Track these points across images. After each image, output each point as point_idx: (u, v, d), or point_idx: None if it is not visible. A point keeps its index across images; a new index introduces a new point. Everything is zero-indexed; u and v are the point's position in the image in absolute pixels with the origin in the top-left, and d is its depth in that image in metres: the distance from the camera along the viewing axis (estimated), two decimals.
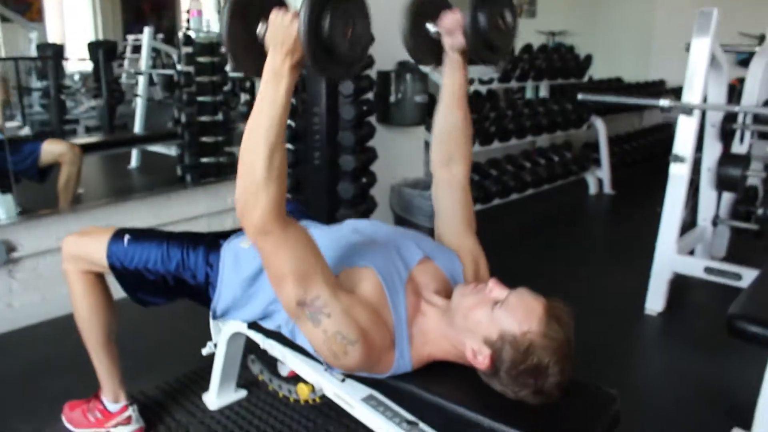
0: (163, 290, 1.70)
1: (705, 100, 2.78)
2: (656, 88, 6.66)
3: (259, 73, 1.26)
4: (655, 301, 2.86)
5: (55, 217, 2.85)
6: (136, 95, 4.59)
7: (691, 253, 3.19)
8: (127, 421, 1.90)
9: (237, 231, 1.75)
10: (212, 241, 1.68)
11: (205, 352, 2.14)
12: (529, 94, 5.19)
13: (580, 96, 2.95)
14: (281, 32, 1.20)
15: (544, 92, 5.15)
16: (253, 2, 1.28)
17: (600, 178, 5.30)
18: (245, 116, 4.25)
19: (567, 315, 1.24)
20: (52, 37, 4.33)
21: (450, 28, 1.46)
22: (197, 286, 1.66)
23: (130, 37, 4.72)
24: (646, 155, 6.07)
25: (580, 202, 5.12)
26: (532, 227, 4.44)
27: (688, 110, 2.65)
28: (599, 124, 5.16)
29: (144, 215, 3.05)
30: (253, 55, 1.29)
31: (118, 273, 1.70)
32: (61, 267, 1.78)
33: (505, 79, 4.54)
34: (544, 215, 4.74)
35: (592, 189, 5.28)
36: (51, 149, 3.27)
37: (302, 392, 1.64)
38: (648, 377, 2.40)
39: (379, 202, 3.29)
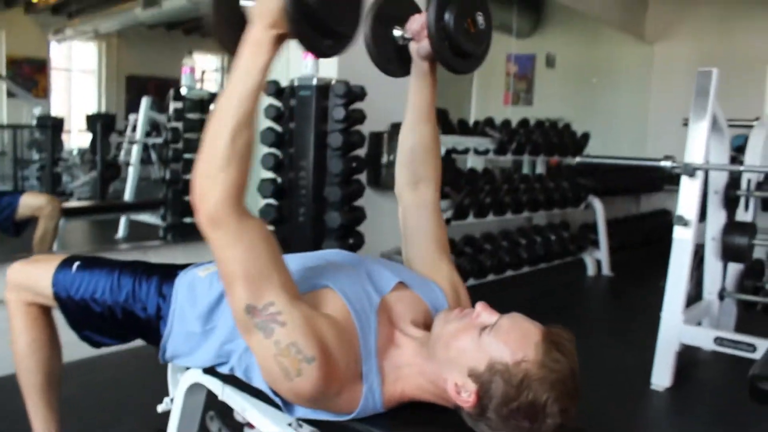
0: (112, 326, 1.50)
1: None
2: (655, 173, 6.63)
3: (231, 47, 1.13)
4: (661, 376, 2.64)
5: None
6: (128, 164, 4.54)
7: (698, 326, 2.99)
8: None
9: (197, 263, 1.57)
10: (168, 272, 1.50)
11: (160, 408, 1.91)
12: (525, 170, 5.13)
13: (577, 159, 2.85)
14: (266, 2, 1.07)
15: (540, 169, 5.09)
16: None
17: (598, 259, 5.16)
18: None
19: (570, 343, 1.04)
20: (56, 112, 4.38)
21: (416, 31, 1.31)
22: (147, 320, 1.46)
23: (132, 116, 4.74)
24: (644, 240, 5.97)
25: (578, 283, 4.95)
26: (529, 305, 4.22)
27: (691, 171, 2.54)
28: (597, 204, 5.07)
29: None
30: (235, 28, 1.14)
31: (63, 304, 1.51)
32: (4, 296, 1.59)
33: (501, 151, 4.47)
34: (541, 293, 4.55)
35: (591, 270, 5.12)
36: (29, 202, 3.14)
37: None
38: None
39: None
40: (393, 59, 1.39)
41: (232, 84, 1.08)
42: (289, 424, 1.37)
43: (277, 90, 2.85)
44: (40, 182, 4.09)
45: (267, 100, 2.85)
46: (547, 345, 1.01)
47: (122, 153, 4.82)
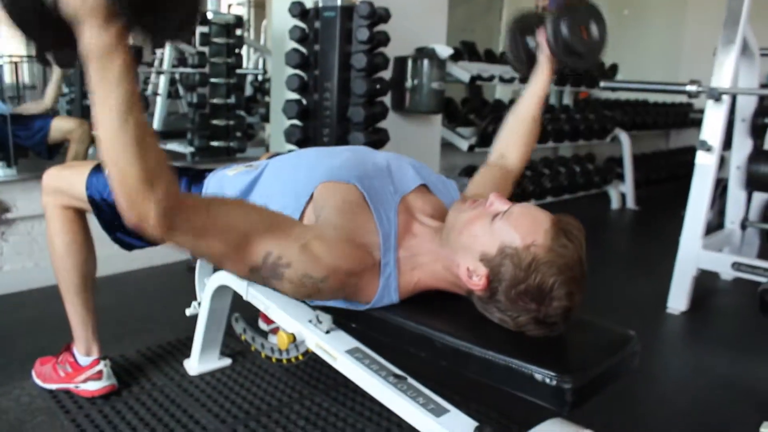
0: None
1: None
2: (683, 109, 6.49)
3: (69, 62, 1.03)
4: (678, 300, 2.67)
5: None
6: (156, 94, 4.57)
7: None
8: (98, 376, 1.76)
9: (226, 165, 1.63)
10: (197, 173, 1.57)
11: (189, 312, 2.01)
12: (552, 100, 5.06)
13: (602, 83, 2.81)
14: None
15: (567, 100, 5.02)
16: None
17: (623, 192, 5.12)
18: (263, 118, 4.20)
19: (579, 231, 1.08)
20: None
21: (542, 39, 1.56)
22: None
23: (159, 50, 4.73)
24: (671, 175, 5.91)
25: (602, 215, 4.93)
26: None
27: (716, 95, 2.50)
28: (624, 138, 5.00)
29: None
30: (54, 35, 0.91)
31: (97, 206, 1.58)
32: (41, 200, 1.67)
33: (526, 80, 4.41)
34: None
35: (615, 203, 5.10)
36: (60, 126, 3.22)
37: (282, 341, 1.49)
38: (671, 375, 2.19)
39: None
40: (525, 62, 1.67)
41: (100, 113, 0.90)
42: (309, 321, 1.45)
43: (301, 11, 2.83)
44: (71, 115, 4.16)
45: (291, 21, 2.84)
46: (556, 231, 1.05)
47: (149, 86, 4.85)
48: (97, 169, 1.59)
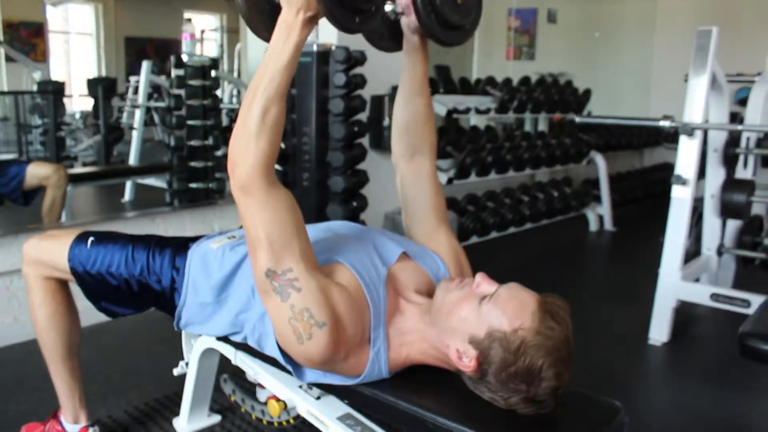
0: (128, 297, 1.57)
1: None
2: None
3: (269, 33, 1.19)
4: (659, 331, 2.71)
5: (31, 235, 2.72)
6: (132, 128, 4.56)
7: (696, 282, 3.05)
8: None
9: (208, 235, 1.63)
10: (180, 245, 1.56)
11: (176, 372, 2.00)
12: (527, 127, 5.13)
13: (577, 119, 2.88)
14: None
15: (542, 126, 5.10)
16: None
17: (600, 214, 5.20)
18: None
19: (564, 311, 1.11)
20: (56, 77, 4.33)
21: (406, 5, 1.35)
22: (162, 291, 1.52)
23: (133, 79, 4.73)
24: (647, 193, 6.00)
25: (580, 238, 5.01)
26: (531, 262, 4.30)
27: (689, 131, 2.56)
28: (599, 160, 5.08)
29: None
30: (266, 15, 1.22)
31: (80, 278, 1.57)
32: (22, 269, 1.66)
33: (502, 110, 4.47)
34: (543, 250, 4.61)
35: (593, 225, 5.16)
36: (36, 172, 3.18)
37: (273, 409, 1.49)
38: (654, 411, 2.22)
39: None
40: (385, 35, 1.44)
41: (265, 62, 1.15)
42: (300, 386, 1.45)
43: None
44: (45, 147, 4.11)
45: None
46: (543, 313, 1.08)
47: (125, 116, 4.83)
48: (79, 239, 1.59)
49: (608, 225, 5.16)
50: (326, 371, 1.25)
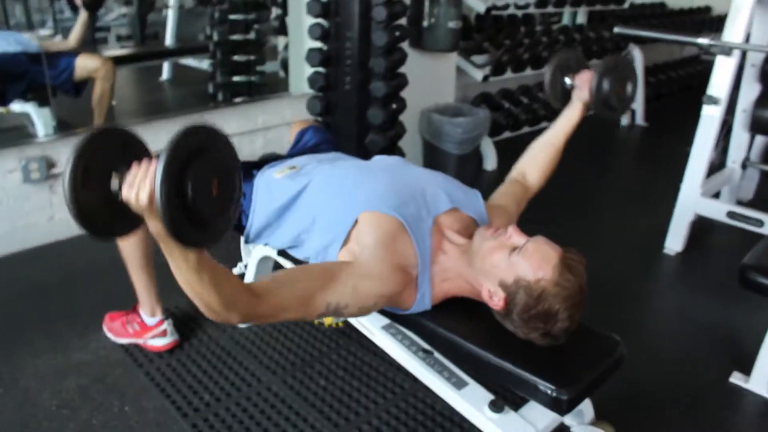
0: None
1: (748, 39, 2.69)
2: (701, 16, 6.39)
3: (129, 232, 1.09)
4: (675, 241, 2.90)
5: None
6: (167, 6, 4.57)
7: (717, 195, 3.18)
8: (163, 333, 2.05)
9: (269, 161, 1.81)
10: (245, 172, 1.75)
11: (235, 271, 2.27)
12: (566, 20, 5.03)
13: (616, 29, 2.88)
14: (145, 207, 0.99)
15: (582, 19, 4.99)
16: (104, 154, 1.02)
17: (633, 108, 5.20)
18: (276, 30, 4.22)
19: (581, 265, 1.30)
20: None
21: (582, 84, 1.77)
22: None
23: None
24: (683, 86, 5.93)
25: (610, 133, 5.06)
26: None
27: (727, 50, 2.58)
28: (636, 54, 5.01)
29: (166, 133, 3.11)
30: (118, 215, 1.04)
31: None
32: None
33: (542, 4, 4.40)
34: (571, 145, 4.65)
35: (625, 120, 5.20)
36: (85, 64, 3.32)
37: (327, 319, 1.75)
38: (657, 317, 2.47)
39: (408, 128, 3.31)
40: (560, 97, 1.87)
41: (176, 272, 1.11)
42: None
43: None
44: (75, 13, 4.19)
45: None
46: (562, 267, 1.28)
47: None
48: None
49: (640, 120, 5.19)
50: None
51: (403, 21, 3.10)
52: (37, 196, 2.73)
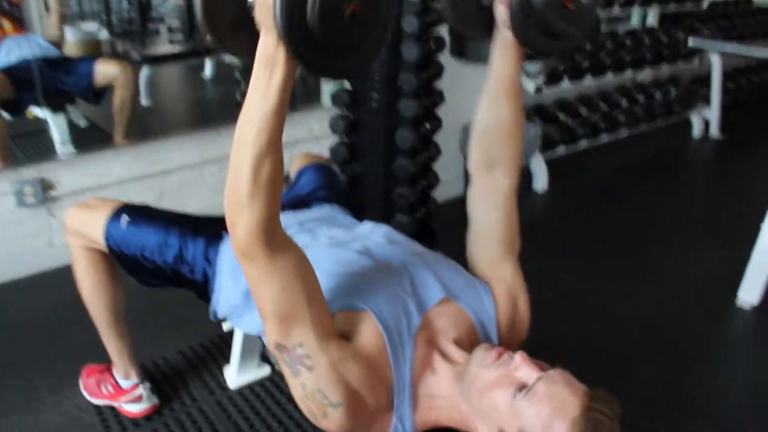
0: (163, 278, 1.53)
1: None
2: None
3: (251, 56, 0.96)
4: (750, 292, 2.45)
5: (94, 155, 2.76)
6: None
7: None
8: (138, 399, 1.80)
9: None
10: (214, 233, 1.47)
11: (225, 328, 2.01)
12: (635, 21, 4.54)
13: (691, 43, 2.46)
14: (266, 8, 0.87)
15: (652, 20, 4.49)
16: None
17: (707, 118, 4.68)
18: None
19: (611, 419, 0.93)
20: None
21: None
22: (194, 281, 1.47)
23: None
24: (765, 94, 5.33)
25: (680, 147, 4.56)
26: (619, 178, 3.95)
27: None
28: (715, 58, 4.47)
29: (193, 150, 2.93)
30: (244, 34, 0.96)
31: (117, 256, 1.54)
32: (65, 239, 1.64)
33: (607, 5, 3.95)
34: (635, 161, 4.23)
35: (696, 131, 4.68)
36: (104, 71, 3.16)
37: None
38: (731, 388, 2.05)
39: (450, 146, 2.95)
40: (473, 20, 1.21)
41: (248, 108, 0.93)
42: None
43: None
44: (130, 3, 4.05)
45: None
46: (585, 423, 0.91)
47: None
48: (115, 216, 1.53)
49: (714, 131, 4.66)
50: None
51: (441, 28, 2.75)
52: (33, 220, 2.56)
